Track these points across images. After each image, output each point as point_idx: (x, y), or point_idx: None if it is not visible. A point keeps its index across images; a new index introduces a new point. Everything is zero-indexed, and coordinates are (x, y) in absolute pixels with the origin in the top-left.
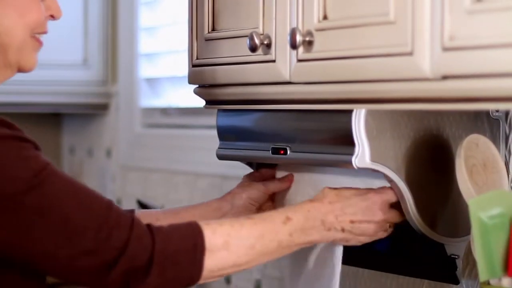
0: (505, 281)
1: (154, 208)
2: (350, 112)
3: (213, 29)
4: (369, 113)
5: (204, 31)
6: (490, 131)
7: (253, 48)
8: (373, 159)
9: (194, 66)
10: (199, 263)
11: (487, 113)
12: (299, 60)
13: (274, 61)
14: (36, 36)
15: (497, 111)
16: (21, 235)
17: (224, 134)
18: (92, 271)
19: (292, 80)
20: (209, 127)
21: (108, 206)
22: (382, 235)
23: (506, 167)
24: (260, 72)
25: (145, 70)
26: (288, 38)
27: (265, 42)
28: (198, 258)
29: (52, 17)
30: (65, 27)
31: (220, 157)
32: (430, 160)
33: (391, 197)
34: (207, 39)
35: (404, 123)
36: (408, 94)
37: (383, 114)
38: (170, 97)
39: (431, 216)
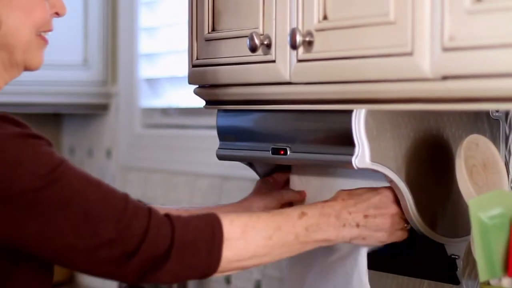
0: (505, 281)
1: None
2: (350, 112)
3: (213, 29)
4: (369, 113)
5: (204, 31)
6: (490, 132)
7: (253, 49)
8: (373, 160)
9: (194, 66)
10: (218, 252)
11: (487, 113)
12: (299, 61)
13: (274, 61)
14: (41, 34)
15: (497, 111)
16: (42, 230)
17: (224, 134)
18: (112, 261)
19: (292, 80)
20: (209, 127)
21: (125, 198)
22: (402, 235)
23: (506, 168)
24: (260, 72)
25: (145, 70)
26: (288, 38)
27: (265, 43)
28: (217, 247)
29: (57, 14)
30: (65, 27)
31: (220, 157)
32: (430, 160)
33: None
34: (207, 40)
35: (404, 124)
36: (408, 94)
37: (383, 114)
38: (170, 97)
39: (431, 216)
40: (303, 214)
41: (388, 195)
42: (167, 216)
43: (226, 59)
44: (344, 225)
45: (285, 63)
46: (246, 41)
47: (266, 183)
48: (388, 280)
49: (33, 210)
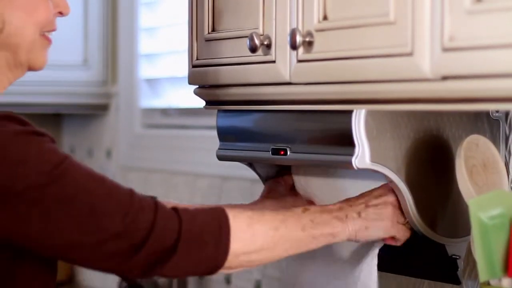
0: (505, 281)
1: None
2: (350, 112)
3: (213, 30)
4: (369, 114)
5: (204, 31)
6: (490, 132)
7: (253, 49)
8: (373, 160)
9: (194, 66)
10: (225, 246)
11: (487, 113)
12: (299, 61)
13: (274, 61)
14: (45, 34)
15: (497, 111)
16: (47, 226)
17: (224, 134)
18: (118, 255)
19: (292, 81)
20: (209, 127)
21: (130, 193)
22: (404, 232)
23: (506, 168)
24: (260, 72)
25: (145, 70)
26: (288, 38)
27: (265, 43)
28: (224, 240)
29: (61, 14)
30: (65, 28)
31: (220, 157)
32: (430, 160)
33: None
34: (207, 40)
35: (404, 124)
36: (408, 94)
37: (383, 114)
38: (170, 97)
39: (431, 216)
40: (306, 209)
41: (387, 187)
42: (174, 209)
43: (226, 59)
44: (346, 216)
45: (285, 64)
46: (246, 41)
47: (277, 186)
48: (388, 280)
49: (37, 207)
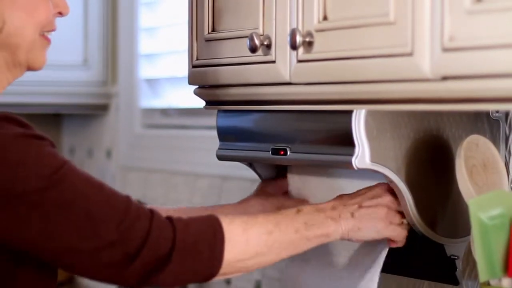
0: (505, 281)
1: None
2: (350, 112)
3: (213, 30)
4: (369, 114)
5: (204, 31)
6: (490, 132)
7: (253, 49)
8: (373, 160)
9: (194, 66)
10: (219, 254)
11: (487, 113)
12: (299, 61)
13: (274, 61)
14: (45, 34)
15: (497, 111)
16: (44, 231)
17: (224, 134)
18: (114, 264)
19: (292, 81)
20: (209, 127)
21: (127, 200)
22: (400, 232)
23: (506, 168)
24: (260, 72)
25: (145, 70)
26: (288, 38)
27: (265, 43)
28: (218, 249)
29: (60, 14)
30: (65, 28)
31: (220, 157)
32: (430, 160)
33: None
34: (207, 40)
35: (404, 124)
36: (408, 94)
37: (383, 114)
38: (170, 97)
39: (431, 216)
40: (299, 210)
41: (382, 187)
42: (169, 218)
43: (226, 59)
44: (340, 216)
45: (285, 64)
46: (246, 41)
47: (268, 187)
48: (388, 281)
49: (35, 210)
